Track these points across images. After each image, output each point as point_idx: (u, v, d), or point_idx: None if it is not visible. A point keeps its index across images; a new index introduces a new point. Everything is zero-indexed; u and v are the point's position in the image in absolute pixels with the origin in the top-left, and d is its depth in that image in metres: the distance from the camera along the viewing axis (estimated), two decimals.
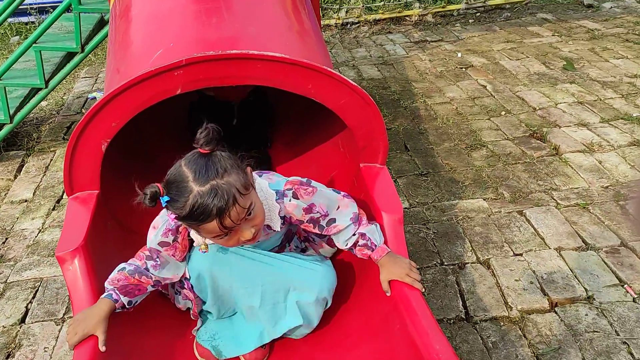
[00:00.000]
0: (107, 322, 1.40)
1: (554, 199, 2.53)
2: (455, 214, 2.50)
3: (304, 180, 1.54)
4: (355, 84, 1.53)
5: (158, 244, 1.48)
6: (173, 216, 1.32)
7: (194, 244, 1.53)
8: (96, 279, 1.46)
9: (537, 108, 3.35)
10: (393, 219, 1.54)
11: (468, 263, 2.21)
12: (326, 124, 2.06)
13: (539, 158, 2.86)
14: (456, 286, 2.11)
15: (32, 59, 2.95)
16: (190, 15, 1.65)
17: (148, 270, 1.51)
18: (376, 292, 1.49)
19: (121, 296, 1.45)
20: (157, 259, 1.51)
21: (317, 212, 1.53)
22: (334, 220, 1.56)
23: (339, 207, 1.55)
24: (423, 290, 1.48)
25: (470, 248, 2.29)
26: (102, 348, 1.36)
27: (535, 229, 2.36)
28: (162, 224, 1.48)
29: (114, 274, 1.47)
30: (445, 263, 2.22)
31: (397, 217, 1.54)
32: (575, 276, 2.09)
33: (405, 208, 2.55)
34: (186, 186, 1.26)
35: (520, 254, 2.23)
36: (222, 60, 1.37)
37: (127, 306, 1.47)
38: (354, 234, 1.57)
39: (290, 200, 1.50)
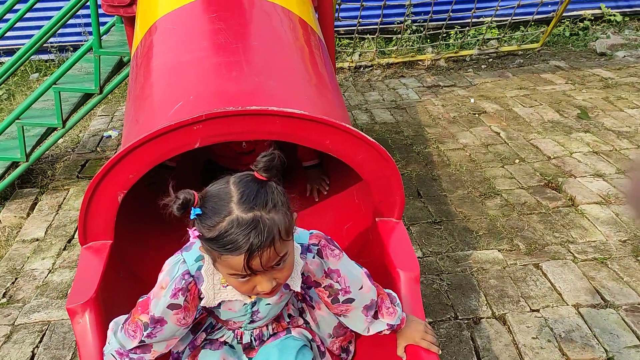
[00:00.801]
0: None
1: (571, 252, 2.49)
2: (469, 265, 2.46)
3: (328, 238, 1.41)
4: (373, 140, 1.52)
5: (167, 307, 1.28)
6: (196, 233, 1.16)
7: (202, 303, 1.34)
8: (105, 333, 1.43)
9: (552, 157, 3.33)
10: (409, 277, 1.51)
11: (483, 318, 2.16)
12: (341, 174, 2.05)
13: (554, 209, 2.82)
14: (471, 342, 2.06)
15: (51, 98, 3.00)
16: (210, 68, 1.67)
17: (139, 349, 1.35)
18: (392, 356, 1.44)
19: None
20: (156, 331, 1.31)
21: (338, 282, 1.39)
22: (351, 301, 1.41)
23: (361, 288, 1.40)
24: (439, 352, 1.45)
25: (486, 302, 2.24)
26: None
27: (552, 284, 2.31)
28: (170, 282, 1.28)
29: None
30: (460, 317, 2.17)
31: (414, 275, 1.51)
32: (595, 335, 2.04)
33: (419, 257, 2.52)
34: (226, 206, 1.11)
35: (537, 310, 2.18)
36: (242, 115, 1.38)
37: None
38: (371, 324, 1.45)
39: (314, 257, 1.35)
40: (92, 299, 1.42)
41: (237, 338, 1.50)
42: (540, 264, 2.43)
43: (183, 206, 1.11)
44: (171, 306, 1.27)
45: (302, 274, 1.36)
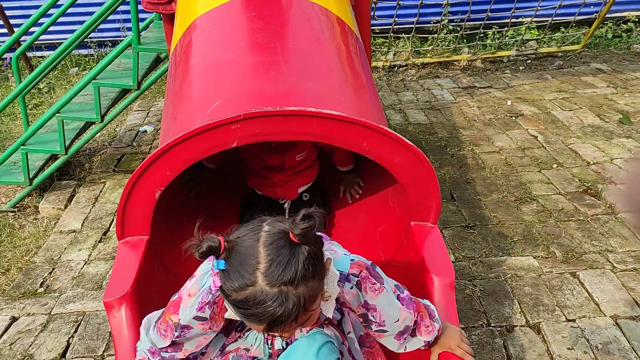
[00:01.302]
0: None
1: (610, 262, 2.42)
2: (503, 271, 2.42)
3: (370, 264, 1.33)
4: (411, 143, 1.50)
5: (193, 318, 1.27)
6: (218, 284, 1.11)
7: (226, 315, 1.31)
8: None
9: (591, 162, 3.24)
10: (444, 283, 1.49)
11: (517, 326, 2.12)
12: (376, 176, 2.03)
13: (593, 216, 2.75)
14: (504, 350, 2.02)
15: (90, 93, 3.05)
16: (248, 67, 1.67)
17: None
18: None
19: None
20: (184, 333, 1.32)
21: (373, 317, 1.34)
22: (384, 332, 1.38)
23: (397, 320, 1.36)
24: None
25: (520, 310, 2.20)
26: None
27: (589, 293, 2.25)
28: (198, 293, 1.25)
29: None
30: (492, 324, 2.14)
31: (449, 281, 1.49)
32: (633, 348, 1.98)
33: (451, 261, 2.48)
34: (252, 272, 1.05)
35: (573, 320, 2.13)
36: (280, 116, 1.37)
37: None
38: (406, 342, 1.42)
39: (351, 288, 1.29)
40: (128, 293, 1.44)
41: (267, 344, 1.45)
42: (577, 273, 2.37)
43: (206, 254, 1.06)
44: (197, 318, 1.26)
45: (337, 298, 1.31)
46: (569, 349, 2.00)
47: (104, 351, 2.12)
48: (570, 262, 2.44)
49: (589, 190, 2.97)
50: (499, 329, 2.11)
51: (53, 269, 2.63)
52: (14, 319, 2.31)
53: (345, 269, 1.27)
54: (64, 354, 2.12)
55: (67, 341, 2.18)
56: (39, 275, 2.59)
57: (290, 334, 1.25)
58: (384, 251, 1.85)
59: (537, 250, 2.54)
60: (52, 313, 2.33)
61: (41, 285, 2.52)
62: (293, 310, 1.05)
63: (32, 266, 2.66)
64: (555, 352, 1.99)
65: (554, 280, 2.34)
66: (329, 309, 1.28)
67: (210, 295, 1.23)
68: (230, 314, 1.26)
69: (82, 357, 2.10)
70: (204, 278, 1.26)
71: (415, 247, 1.61)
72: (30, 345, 2.16)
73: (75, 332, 2.22)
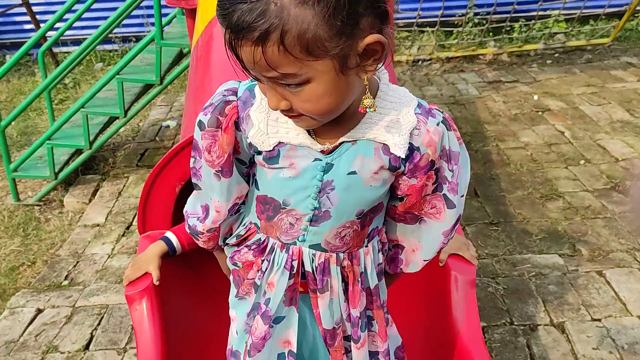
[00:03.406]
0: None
1: (637, 261, 2.36)
2: (527, 269, 2.37)
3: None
4: None
5: (198, 125, 0.99)
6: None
7: (250, 137, 0.96)
8: (162, 320, 1.46)
9: (620, 159, 3.16)
10: (465, 281, 1.46)
11: (540, 325, 2.08)
12: None
13: (620, 214, 2.68)
14: (527, 349, 1.98)
15: (114, 88, 3.08)
16: None
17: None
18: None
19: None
20: (198, 165, 1.04)
21: (452, 171, 0.99)
22: (450, 206, 1.03)
23: (463, 195, 1.04)
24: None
25: (544, 308, 2.16)
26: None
27: (616, 293, 2.20)
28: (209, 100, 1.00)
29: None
30: (516, 323, 2.10)
31: (470, 278, 1.46)
32: None
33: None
34: None
35: (599, 320, 2.08)
36: None
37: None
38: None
39: (438, 125, 0.94)
40: (149, 286, 1.45)
41: (291, 266, 1.07)
42: (603, 272, 2.31)
43: None
44: (200, 124, 0.98)
45: (414, 147, 0.95)
46: (594, 348, 1.95)
47: (126, 344, 2.14)
48: (597, 260, 2.39)
49: (617, 187, 2.90)
50: (522, 327, 2.08)
51: (77, 262, 2.67)
52: (39, 311, 2.35)
53: (425, 104, 0.97)
54: (87, 346, 2.15)
55: (91, 333, 2.21)
56: (63, 268, 2.63)
57: (276, 97, 0.84)
58: None
59: (562, 248, 2.48)
60: (76, 306, 2.37)
61: (66, 278, 2.56)
62: (259, 22, 0.73)
63: (57, 259, 2.70)
64: (580, 351, 1.94)
65: (580, 278, 2.29)
66: (397, 144, 0.93)
67: (221, 97, 0.97)
68: (255, 133, 0.96)
69: (105, 349, 2.13)
70: (223, 87, 1.01)
71: None
72: (54, 337, 2.20)
73: (99, 324, 2.25)
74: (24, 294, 2.46)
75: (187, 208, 1.16)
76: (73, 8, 3.20)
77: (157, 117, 4.29)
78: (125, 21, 4.02)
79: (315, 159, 0.95)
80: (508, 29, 5.18)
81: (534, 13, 5.00)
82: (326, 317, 1.11)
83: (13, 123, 4.01)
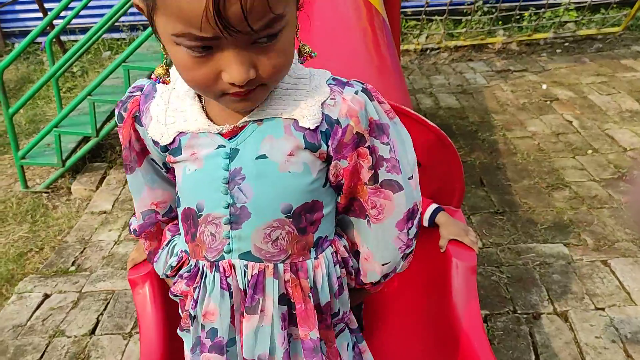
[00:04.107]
0: None
1: None
2: (531, 258, 2.37)
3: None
4: (433, 124, 1.47)
5: (118, 122, 0.94)
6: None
7: (150, 131, 0.89)
8: (165, 303, 1.47)
9: (628, 148, 3.14)
10: (466, 267, 1.46)
11: (544, 313, 2.08)
12: None
13: (627, 204, 2.66)
14: (529, 338, 1.98)
15: (120, 76, 3.09)
16: None
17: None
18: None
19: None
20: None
21: (388, 144, 0.86)
22: (396, 189, 0.88)
23: (411, 178, 0.90)
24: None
25: (547, 297, 2.15)
26: None
27: (620, 282, 2.19)
28: None
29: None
30: (519, 311, 2.10)
31: (470, 265, 1.46)
32: None
33: (478, 248, 2.44)
34: None
35: (603, 309, 2.08)
36: None
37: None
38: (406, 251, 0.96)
39: (357, 94, 0.83)
40: (152, 271, 1.46)
41: (228, 285, 0.91)
42: (608, 261, 2.30)
43: None
44: (117, 118, 0.94)
45: (333, 121, 0.83)
46: (596, 337, 1.95)
47: (131, 328, 2.17)
48: (602, 250, 2.38)
49: (624, 177, 2.87)
50: (525, 316, 2.08)
51: (84, 248, 2.70)
52: (46, 296, 2.38)
53: (342, 78, 0.87)
54: (93, 331, 2.17)
55: (97, 318, 2.23)
56: (70, 255, 2.65)
57: (238, 64, 0.70)
58: None
59: (567, 238, 2.47)
60: (82, 291, 2.40)
61: (73, 264, 2.58)
62: None
63: (65, 245, 2.73)
64: (583, 340, 1.94)
65: (584, 268, 2.28)
66: (306, 115, 0.82)
67: (127, 95, 0.93)
68: (154, 127, 0.88)
69: (111, 334, 2.15)
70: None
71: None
72: (61, 322, 2.22)
73: (105, 309, 2.28)
74: (32, 279, 2.49)
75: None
76: None
77: None
78: (133, 9, 4.02)
79: (219, 146, 0.84)
80: (518, 17, 5.13)
81: (544, 1, 4.95)
82: (248, 345, 0.92)
83: (22, 111, 4.04)
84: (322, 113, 0.83)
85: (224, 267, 0.90)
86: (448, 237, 1.50)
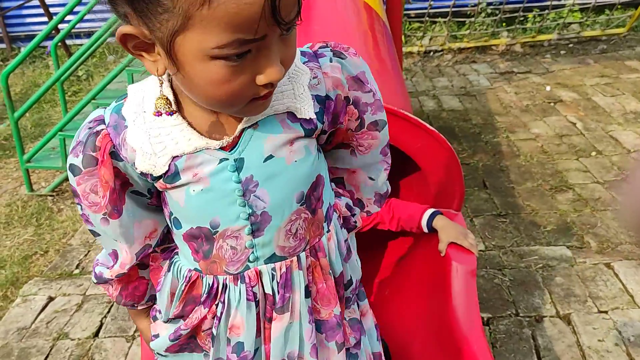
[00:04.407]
0: None
1: None
2: (534, 261, 2.36)
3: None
4: (432, 128, 1.48)
5: (69, 169, 0.83)
6: None
7: (138, 165, 0.81)
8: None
9: (632, 150, 3.13)
10: (465, 271, 1.47)
11: (546, 316, 2.08)
12: (399, 162, 2.01)
13: (622, 203, 2.65)
14: (532, 341, 1.98)
15: (124, 80, 3.11)
16: None
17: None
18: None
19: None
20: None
21: (369, 93, 0.88)
22: (380, 125, 0.93)
23: (375, 113, 0.92)
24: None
25: (550, 300, 2.15)
26: None
27: (623, 285, 2.18)
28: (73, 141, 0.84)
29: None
30: (521, 314, 2.10)
31: (470, 269, 1.47)
32: None
33: (481, 251, 2.45)
34: None
35: (606, 312, 2.07)
36: None
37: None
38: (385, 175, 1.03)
39: (331, 61, 0.84)
40: None
41: (254, 295, 0.90)
42: (611, 264, 2.30)
43: None
44: (73, 169, 0.82)
45: (321, 96, 0.84)
46: (599, 340, 1.94)
47: (134, 331, 2.18)
48: (605, 252, 2.37)
49: (624, 178, 2.87)
50: (527, 319, 2.07)
51: (88, 251, 2.72)
52: (50, 299, 2.39)
53: (306, 49, 0.87)
54: (97, 333, 2.18)
55: (100, 321, 2.25)
56: (75, 257, 2.67)
57: (277, 62, 0.69)
58: (407, 240, 1.83)
59: (570, 240, 2.47)
60: (86, 294, 2.41)
61: (77, 267, 2.60)
62: None
63: (69, 248, 2.75)
64: (585, 343, 1.94)
65: (587, 270, 2.28)
66: (304, 104, 0.82)
67: (87, 131, 0.81)
68: (142, 159, 0.80)
69: (114, 336, 2.16)
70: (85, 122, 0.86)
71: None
72: (65, 324, 2.24)
73: (108, 312, 2.29)
74: (36, 282, 2.51)
75: (99, 257, 1.00)
76: (86, 0, 3.23)
77: None
78: None
79: (221, 160, 0.81)
80: (521, 19, 5.13)
81: (548, 3, 4.94)
82: (277, 347, 0.92)
83: (27, 115, 4.07)
84: (311, 95, 0.83)
85: (249, 277, 0.89)
86: (447, 241, 1.51)
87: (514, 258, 2.39)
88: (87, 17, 3.40)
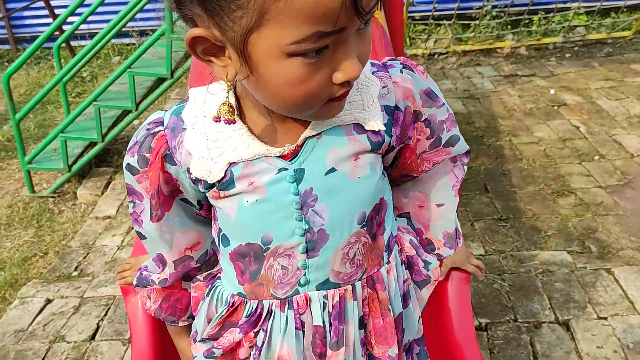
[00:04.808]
0: None
1: None
2: (534, 265, 2.34)
3: None
4: None
5: (126, 168, 0.82)
6: None
7: (193, 170, 0.77)
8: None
9: (636, 155, 3.09)
10: (459, 277, 1.44)
11: (545, 322, 2.05)
12: None
13: (633, 211, 2.62)
14: (530, 347, 1.96)
15: (126, 82, 3.11)
16: None
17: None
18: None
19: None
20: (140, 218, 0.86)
21: (441, 109, 0.85)
22: (455, 141, 0.89)
23: (450, 129, 0.88)
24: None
25: (549, 306, 2.13)
26: None
27: (624, 291, 2.16)
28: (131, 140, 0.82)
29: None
30: (520, 320, 2.07)
31: (464, 275, 1.44)
32: None
33: (481, 255, 2.43)
34: None
35: (605, 318, 2.04)
36: None
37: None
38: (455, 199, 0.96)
39: (402, 72, 0.81)
40: None
41: (302, 324, 0.83)
42: (612, 269, 2.27)
43: None
44: (130, 169, 0.81)
45: (390, 107, 0.80)
46: (598, 347, 1.92)
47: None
48: (606, 258, 2.34)
49: (630, 184, 2.83)
50: (526, 325, 2.05)
51: (87, 253, 2.72)
52: (48, 301, 2.40)
53: (376, 61, 0.84)
54: (93, 336, 2.18)
55: (97, 324, 2.24)
56: (74, 260, 2.67)
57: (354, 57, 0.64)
58: None
59: (571, 245, 2.44)
60: (84, 296, 2.41)
61: (75, 269, 2.60)
62: None
63: (68, 250, 2.75)
64: (584, 350, 1.91)
65: (588, 276, 2.25)
66: (374, 116, 0.77)
67: (145, 132, 0.80)
68: (198, 165, 0.77)
69: (111, 339, 2.16)
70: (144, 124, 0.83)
71: None
72: (62, 327, 2.24)
73: (105, 315, 2.29)
74: (35, 284, 2.51)
75: (147, 265, 0.97)
76: (89, 2, 3.24)
77: None
78: (142, 15, 4.05)
79: (280, 169, 0.76)
80: (527, 21, 5.09)
81: (554, 5, 4.90)
82: None
83: (30, 116, 4.08)
84: (380, 105, 0.79)
85: (298, 303, 0.82)
86: (450, 265, 1.40)
87: (514, 263, 2.37)
88: (92, 18, 3.42)
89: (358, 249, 0.81)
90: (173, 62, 3.06)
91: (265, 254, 0.80)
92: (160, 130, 0.79)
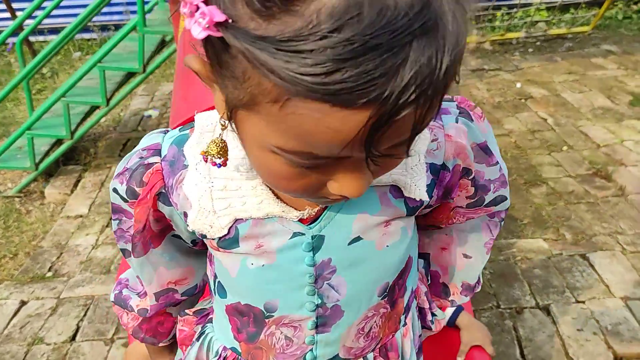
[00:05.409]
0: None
1: (620, 244, 2.40)
2: (513, 253, 2.40)
3: None
4: None
5: (113, 190, 0.69)
6: (203, 23, 0.42)
7: (189, 222, 0.65)
8: None
9: (602, 145, 3.21)
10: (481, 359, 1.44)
11: (526, 308, 2.11)
12: None
13: (603, 198, 2.72)
14: (513, 332, 2.01)
15: (94, 77, 3.02)
16: None
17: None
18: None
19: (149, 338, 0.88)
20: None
21: (497, 163, 0.70)
22: (494, 201, 0.74)
23: (497, 190, 0.73)
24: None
25: (529, 291, 2.18)
26: None
27: (599, 275, 2.23)
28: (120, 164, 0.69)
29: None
30: (502, 306, 2.12)
31: (486, 356, 1.44)
32: None
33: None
34: None
35: (583, 302, 2.12)
36: None
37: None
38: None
39: (458, 121, 0.66)
40: None
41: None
42: (587, 255, 2.35)
43: None
44: (116, 191, 0.68)
45: (437, 166, 0.66)
46: (578, 330, 1.99)
47: (113, 334, 2.12)
48: (580, 244, 2.42)
49: (599, 173, 2.94)
50: (508, 310, 2.10)
51: (61, 253, 2.63)
52: (23, 303, 2.31)
53: None
54: (74, 337, 2.12)
55: (77, 324, 2.18)
56: (47, 260, 2.59)
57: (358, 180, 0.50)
58: None
59: (547, 233, 2.52)
60: (61, 297, 2.34)
61: (49, 270, 2.52)
62: (451, 56, 0.41)
63: (40, 251, 2.66)
64: (565, 333, 1.97)
65: (564, 262, 2.32)
66: (420, 185, 0.64)
67: (138, 161, 0.65)
68: (197, 214, 0.64)
69: (92, 339, 2.10)
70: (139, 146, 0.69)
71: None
72: (40, 329, 2.17)
73: (85, 315, 2.22)
74: (7, 286, 2.42)
75: (128, 277, 0.85)
76: None
77: (139, 107, 4.23)
78: (105, 9, 3.96)
79: (295, 234, 0.64)
80: (490, 17, 5.20)
81: (516, 1, 5.03)
82: None
83: None
84: (426, 164, 0.64)
85: None
86: (471, 344, 1.33)
87: (494, 251, 2.42)
88: (52, 12, 3.31)
89: (375, 321, 0.72)
90: (145, 56, 3.00)
91: (267, 320, 0.70)
92: (156, 163, 0.64)
